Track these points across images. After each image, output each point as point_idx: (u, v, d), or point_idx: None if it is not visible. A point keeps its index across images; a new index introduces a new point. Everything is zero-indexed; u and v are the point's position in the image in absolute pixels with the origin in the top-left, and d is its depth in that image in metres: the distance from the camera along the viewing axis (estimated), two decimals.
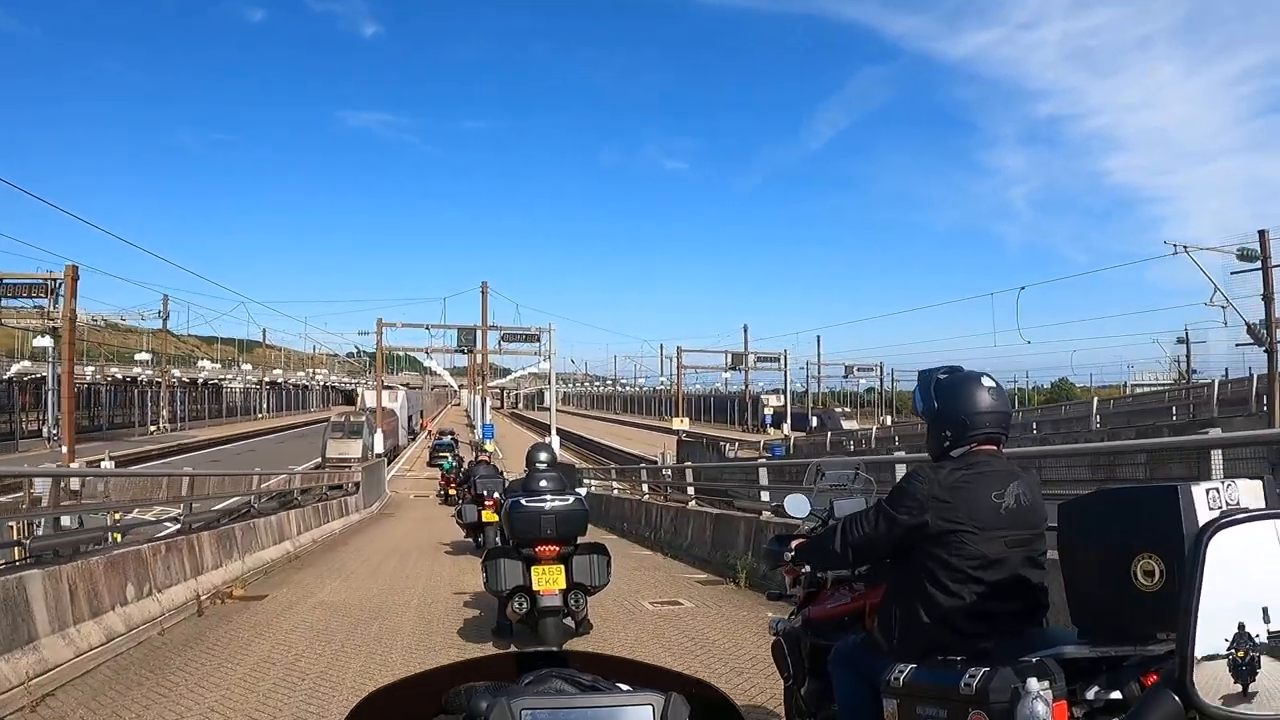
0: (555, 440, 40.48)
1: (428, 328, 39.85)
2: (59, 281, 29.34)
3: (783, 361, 68.04)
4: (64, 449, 28.86)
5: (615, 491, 25.05)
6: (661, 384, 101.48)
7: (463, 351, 40.41)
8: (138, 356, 58.86)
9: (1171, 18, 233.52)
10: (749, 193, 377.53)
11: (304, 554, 16.25)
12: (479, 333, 40.85)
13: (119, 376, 73.62)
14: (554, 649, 3.13)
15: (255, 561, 13.62)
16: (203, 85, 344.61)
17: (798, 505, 4.05)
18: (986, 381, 3.03)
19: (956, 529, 2.82)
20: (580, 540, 7.65)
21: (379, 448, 39.56)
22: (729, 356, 64.55)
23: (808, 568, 3.61)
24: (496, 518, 13.53)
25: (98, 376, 69.37)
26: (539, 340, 40.93)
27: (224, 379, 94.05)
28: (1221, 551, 1.73)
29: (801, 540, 3.73)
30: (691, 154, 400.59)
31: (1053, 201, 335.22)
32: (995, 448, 3.03)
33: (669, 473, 23.75)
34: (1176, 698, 1.77)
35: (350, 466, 31.12)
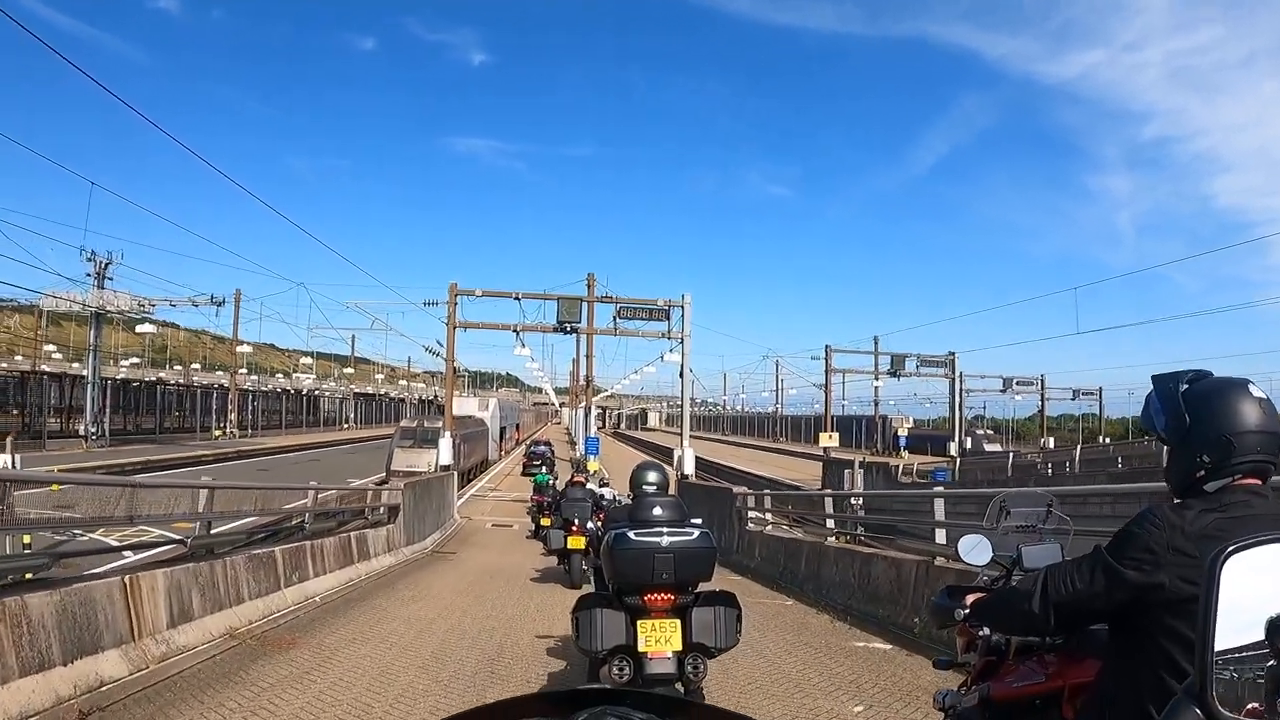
0: (689, 456, 29.53)
1: (517, 297, 29.22)
2: None
3: (952, 368, 55.49)
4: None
5: (832, 540, 14.00)
6: (787, 398, 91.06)
7: (563, 330, 29.84)
8: (140, 328, 50.12)
9: (1276, 33, 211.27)
10: (848, 218, 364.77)
11: (125, 697, 5.95)
12: (584, 307, 30.33)
13: (202, 383, 68.34)
14: (608, 686, 2.58)
15: None
16: (314, 113, 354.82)
17: (977, 550, 3.00)
18: (1255, 390, 2.17)
19: None
20: (702, 587, 5.62)
21: (445, 458, 29.32)
22: (889, 359, 52.24)
23: (986, 630, 2.74)
24: (584, 543, 12.86)
25: (178, 379, 63.74)
26: (667, 318, 30.09)
27: (318, 390, 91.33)
28: (1235, 574, 1.69)
29: (980, 594, 2.83)
30: (792, 180, 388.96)
31: (1159, 226, 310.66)
32: (1260, 482, 2.18)
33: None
34: (1198, 710, 1.69)
35: (389, 485, 20.99)
